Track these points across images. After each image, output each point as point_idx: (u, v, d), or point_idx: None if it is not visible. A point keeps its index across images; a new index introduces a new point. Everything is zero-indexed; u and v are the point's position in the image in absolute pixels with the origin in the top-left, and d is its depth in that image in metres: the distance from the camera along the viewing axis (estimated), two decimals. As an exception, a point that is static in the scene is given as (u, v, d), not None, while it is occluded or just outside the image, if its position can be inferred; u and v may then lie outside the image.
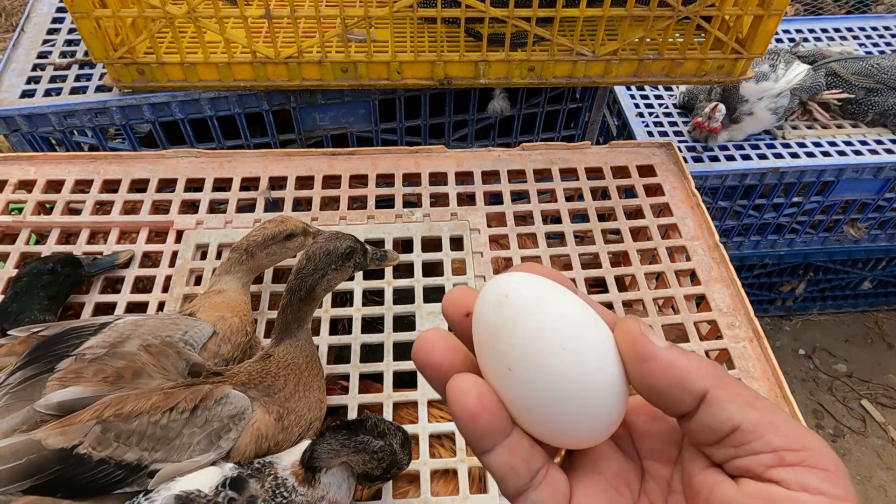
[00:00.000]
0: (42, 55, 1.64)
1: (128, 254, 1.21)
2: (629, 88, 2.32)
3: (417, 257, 1.23)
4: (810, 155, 2.10)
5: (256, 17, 1.38)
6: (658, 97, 2.34)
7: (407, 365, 1.09)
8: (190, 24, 1.40)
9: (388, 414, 1.02)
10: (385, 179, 1.37)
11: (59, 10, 1.78)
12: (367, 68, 1.49)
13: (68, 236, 1.27)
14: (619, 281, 1.20)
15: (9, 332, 0.93)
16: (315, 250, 0.95)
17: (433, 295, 1.19)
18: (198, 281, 1.20)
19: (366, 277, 1.20)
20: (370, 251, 1.02)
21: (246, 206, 1.33)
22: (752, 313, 1.10)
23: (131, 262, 1.22)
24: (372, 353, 1.13)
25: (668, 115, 2.28)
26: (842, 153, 2.11)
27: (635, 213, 1.32)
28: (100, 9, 1.36)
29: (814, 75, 2.21)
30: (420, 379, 1.07)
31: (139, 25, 1.47)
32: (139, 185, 1.34)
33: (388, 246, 1.25)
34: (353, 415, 1.04)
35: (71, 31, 1.72)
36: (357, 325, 1.14)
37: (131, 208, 1.30)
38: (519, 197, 1.35)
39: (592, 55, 1.49)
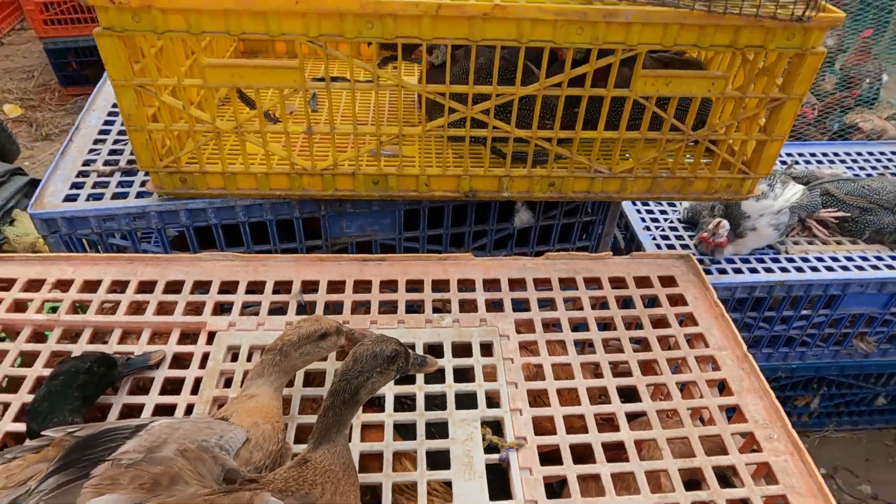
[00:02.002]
0: (87, 163, 1.73)
1: (160, 354, 1.21)
2: (635, 203, 2.43)
3: (448, 362, 1.23)
4: (815, 269, 2.16)
5: (298, 132, 1.48)
6: (663, 212, 2.44)
7: (442, 475, 1.05)
8: (231, 137, 1.50)
9: (423, 528, 0.98)
10: (414, 285, 1.40)
11: (106, 122, 1.91)
12: (398, 181, 1.58)
13: (100, 335, 1.28)
14: (651, 389, 1.20)
15: (42, 433, 0.91)
16: (362, 352, 0.95)
17: (465, 401, 1.18)
18: (227, 383, 1.19)
19: (396, 382, 1.20)
20: (412, 355, 1.03)
21: (277, 309, 1.35)
22: (790, 426, 1.09)
23: (162, 362, 1.21)
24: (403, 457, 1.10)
25: (673, 229, 2.38)
26: (845, 268, 2.17)
27: (659, 322, 1.35)
28: (153, 123, 1.47)
29: (810, 195, 2.34)
30: (455, 491, 1.03)
31: (184, 137, 1.57)
32: (174, 287, 1.36)
33: (419, 351, 1.26)
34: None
35: (115, 142, 1.83)
36: (389, 432, 1.12)
37: (164, 309, 1.32)
38: (545, 304, 1.38)
39: (609, 173, 1.59)
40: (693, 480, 1.08)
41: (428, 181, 1.58)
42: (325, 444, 0.92)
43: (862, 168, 2.75)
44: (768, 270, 2.16)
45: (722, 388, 1.22)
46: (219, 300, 1.33)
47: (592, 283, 1.42)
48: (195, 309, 1.32)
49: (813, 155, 2.85)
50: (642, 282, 1.42)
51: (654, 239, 2.29)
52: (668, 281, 1.42)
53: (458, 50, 1.64)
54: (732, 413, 1.18)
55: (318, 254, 1.62)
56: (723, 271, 2.14)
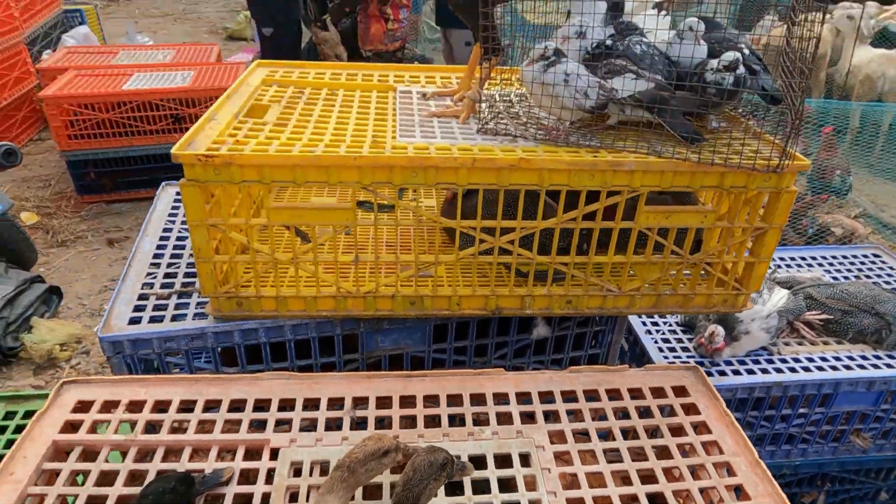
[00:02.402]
0: (145, 286, 1.90)
1: (230, 471, 1.33)
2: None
3: (492, 474, 1.36)
4: (807, 370, 2.34)
5: (347, 262, 1.68)
6: (662, 316, 2.64)
7: (496, 583, 1.16)
8: (286, 266, 1.70)
9: None
10: (453, 399, 1.55)
11: (159, 247, 2.10)
12: (432, 301, 1.77)
13: (172, 453, 1.39)
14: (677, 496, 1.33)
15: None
16: (420, 462, 1.10)
17: (509, 511, 1.29)
18: (292, 497, 1.30)
19: (447, 494, 1.32)
20: (456, 462, 1.18)
21: (333, 425, 1.48)
22: (804, 527, 1.22)
23: (231, 479, 1.33)
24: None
25: (672, 332, 2.57)
26: (835, 368, 2.35)
27: (676, 431, 1.50)
28: (219, 255, 1.66)
29: (794, 299, 2.56)
30: None
31: (241, 266, 1.76)
32: (237, 405, 1.50)
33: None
34: None
35: (169, 265, 2.01)
36: (444, 543, 1.23)
37: (229, 427, 1.44)
38: (572, 414, 1.53)
39: (619, 291, 1.79)
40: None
41: (459, 301, 1.77)
42: None
43: (838, 271, 3.00)
44: (765, 371, 2.33)
45: (738, 491, 1.35)
46: (279, 417, 1.46)
47: (613, 393, 1.57)
48: (258, 426, 1.45)
49: (793, 259, 3.11)
50: (658, 392, 1.58)
51: (655, 343, 2.47)
52: (680, 391, 1.59)
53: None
54: (751, 516, 1.30)
55: (356, 367, 1.77)
56: (723, 373, 2.31)
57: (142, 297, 1.85)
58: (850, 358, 2.42)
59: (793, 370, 2.34)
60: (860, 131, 6.35)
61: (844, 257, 3.15)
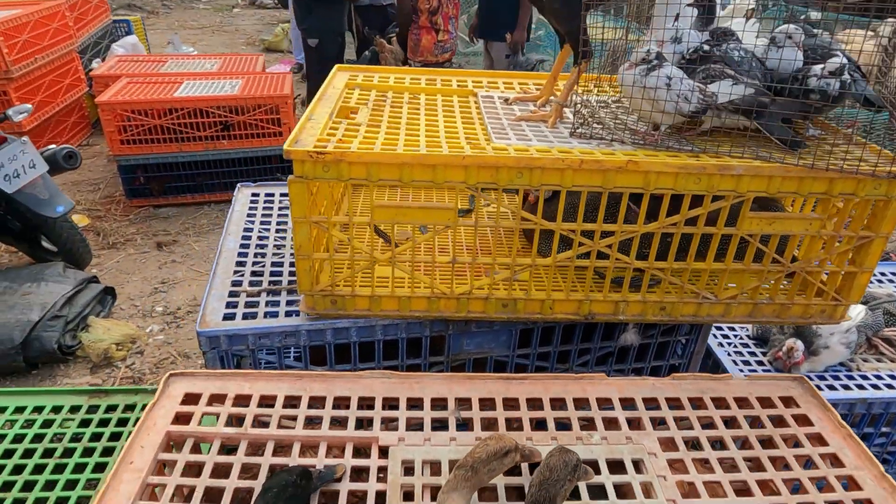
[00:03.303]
0: (235, 283, 1.91)
1: (342, 468, 1.32)
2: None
3: (607, 479, 1.33)
4: (891, 387, 2.27)
5: (444, 262, 1.67)
6: (731, 328, 2.59)
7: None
8: (381, 264, 1.70)
9: None
10: (557, 403, 1.52)
11: (242, 245, 2.11)
12: (525, 304, 1.75)
13: (281, 448, 1.38)
14: (800, 508, 1.29)
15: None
16: (555, 462, 1.08)
17: (629, 517, 1.26)
18: (406, 496, 1.29)
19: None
20: (581, 466, 1.15)
21: (438, 425, 1.46)
22: (946, 544, 1.17)
23: (343, 476, 1.31)
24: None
25: (744, 345, 2.51)
26: (918, 385, 2.28)
27: (789, 442, 1.45)
28: (318, 252, 1.66)
29: (872, 314, 2.50)
30: None
31: (335, 265, 1.76)
32: (341, 402, 1.49)
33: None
34: None
35: (254, 263, 2.03)
36: (568, 547, 1.19)
37: (336, 424, 1.43)
38: (679, 421, 1.50)
39: (715, 299, 1.76)
40: None
41: (552, 305, 1.75)
42: None
43: (911, 287, 2.93)
44: (846, 388, 2.27)
45: (861, 506, 1.30)
46: (384, 415, 1.45)
47: (719, 402, 1.54)
48: (364, 424, 1.43)
49: (861, 275, 3.04)
50: (766, 402, 1.54)
51: (729, 355, 2.42)
52: (788, 402, 1.54)
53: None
54: (880, 532, 1.25)
55: (440, 369, 1.76)
56: (804, 388, 2.25)
57: (232, 293, 1.86)
58: (935, 375, 2.34)
59: (875, 387, 2.27)
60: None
61: (913, 274, 3.07)
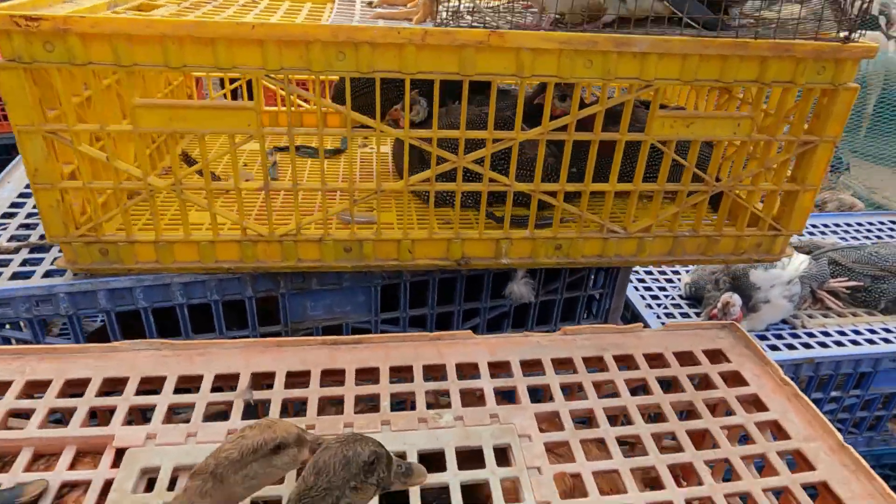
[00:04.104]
0: (-13, 239, 1.40)
1: (38, 486, 0.84)
2: (631, 281, 2.21)
3: (454, 476, 0.89)
4: (840, 344, 1.94)
5: (253, 189, 1.21)
6: (662, 289, 2.22)
7: None
8: (169, 202, 1.21)
9: None
10: (400, 374, 1.09)
11: (22, 195, 1.60)
12: (374, 247, 1.30)
13: (-44, 462, 0.90)
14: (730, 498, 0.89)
15: None
16: (327, 460, 0.65)
17: (481, 534, 0.83)
18: (137, 525, 0.82)
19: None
20: (394, 462, 0.72)
21: (217, 413, 1.00)
22: (938, 545, 0.79)
23: (42, 496, 0.84)
24: None
25: (676, 306, 2.15)
26: (871, 342, 1.96)
27: (718, 409, 1.06)
28: (68, 181, 1.17)
29: (817, 264, 2.17)
30: None
31: (110, 202, 1.27)
32: (77, 388, 1.01)
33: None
34: None
35: (29, 215, 1.51)
36: (376, 590, 0.76)
37: (57, 419, 0.96)
38: (571, 391, 1.08)
39: (624, 233, 1.36)
40: None
41: (412, 247, 1.31)
42: None
43: (855, 238, 2.64)
44: (790, 347, 1.92)
45: (814, 494, 0.91)
46: (136, 403, 0.98)
47: (625, 361, 1.13)
48: (102, 417, 0.96)
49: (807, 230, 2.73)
50: (686, 358, 1.14)
51: (658, 318, 2.04)
52: (716, 355, 1.15)
53: (442, 107, 1.44)
54: (843, 530, 0.86)
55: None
56: (743, 350, 1.89)
57: (-25, 251, 1.35)
58: (887, 330, 2.02)
59: (824, 345, 1.93)
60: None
61: (860, 224, 2.78)
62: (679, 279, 2.27)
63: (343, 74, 1.12)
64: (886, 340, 1.97)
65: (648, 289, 2.22)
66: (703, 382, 1.10)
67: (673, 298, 2.20)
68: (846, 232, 2.69)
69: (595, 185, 1.29)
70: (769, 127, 1.30)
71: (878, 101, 5.91)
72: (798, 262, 2.11)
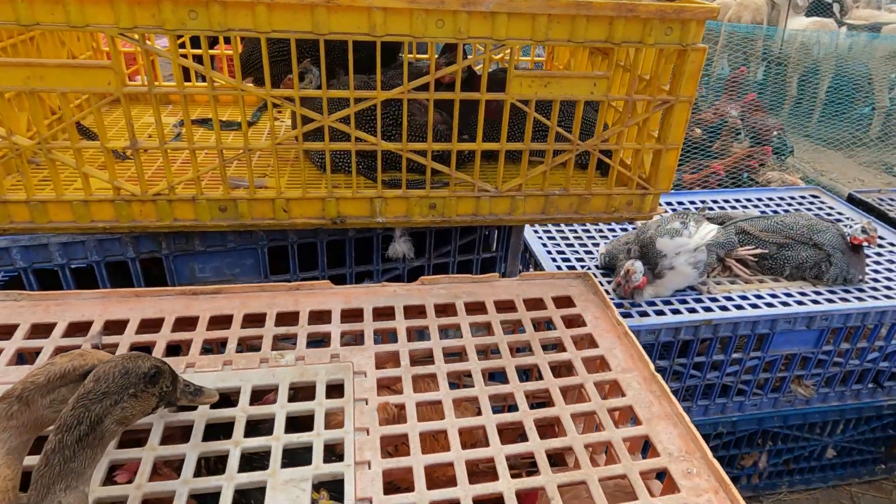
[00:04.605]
0: None
1: None
2: (548, 249, 2.27)
3: (281, 409, 0.94)
4: (740, 308, 2.01)
5: (120, 148, 1.24)
6: (580, 259, 2.28)
7: (242, 561, 0.74)
8: (41, 158, 1.24)
9: None
10: (255, 322, 1.13)
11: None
12: (250, 206, 1.34)
13: None
14: (542, 427, 0.94)
15: None
16: (107, 370, 0.70)
17: (299, 456, 0.88)
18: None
19: (205, 438, 0.89)
20: (181, 381, 0.78)
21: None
22: (711, 455, 0.84)
23: None
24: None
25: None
26: (771, 305, 2.03)
27: (554, 348, 1.11)
28: (-68, 139, 1.20)
29: (725, 233, 2.24)
30: (260, 583, 0.71)
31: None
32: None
33: (246, 397, 0.96)
34: None
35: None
36: (183, 494, 0.80)
37: None
38: (419, 337, 1.13)
39: (496, 191, 1.41)
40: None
41: (287, 206, 1.35)
42: None
43: (775, 212, 2.72)
44: (692, 311, 1.99)
45: (634, 419, 0.97)
46: (-17, 349, 1.01)
47: (475, 308, 1.18)
48: (-53, 361, 0.99)
49: (727, 201, 2.81)
50: (534, 304, 1.20)
51: (569, 286, 2.10)
52: (564, 302, 1.20)
53: (333, 79, 1.48)
54: (648, 448, 0.92)
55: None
56: (644, 314, 1.96)
57: None
58: (788, 294, 2.10)
59: (724, 309, 2.00)
60: (798, 101, 6.25)
61: (781, 199, 2.87)
62: (597, 251, 2.33)
63: (198, 33, 1.15)
64: (785, 304, 2.04)
65: (567, 259, 2.28)
66: (546, 325, 1.16)
67: (590, 269, 2.26)
68: (766, 206, 2.77)
69: (461, 145, 1.33)
70: (628, 88, 1.36)
71: (830, 87, 6.05)
72: (705, 231, 2.18)
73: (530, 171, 1.39)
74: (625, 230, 2.49)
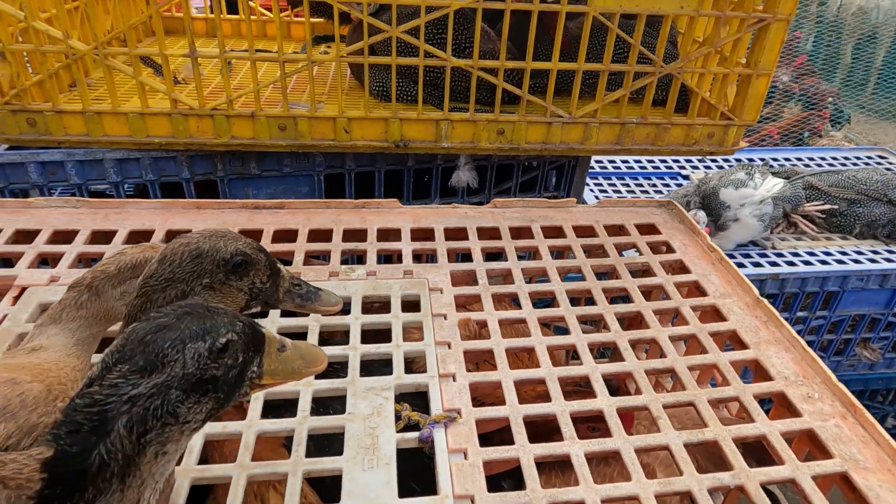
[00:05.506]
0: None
1: (-68, 315, 0.84)
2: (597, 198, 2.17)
3: (356, 320, 0.88)
4: (808, 264, 1.90)
5: (178, 55, 1.18)
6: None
7: (325, 463, 0.68)
8: (99, 70, 1.19)
9: (285, 542, 0.60)
10: (321, 237, 1.07)
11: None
12: (310, 126, 1.27)
13: None
14: (636, 349, 0.87)
15: None
16: (176, 248, 0.60)
17: (375, 368, 0.82)
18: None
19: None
20: (286, 276, 0.66)
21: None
22: (835, 378, 0.76)
23: (-64, 326, 0.83)
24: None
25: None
26: (841, 262, 1.92)
27: (640, 273, 1.03)
28: (-11, 42, 1.15)
29: (791, 186, 2.12)
30: (346, 488, 0.66)
31: (35, 65, 1.24)
32: (-12, 238, 1.00)
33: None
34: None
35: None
36: (255, 409, 0.75)
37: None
38: (493, 258, 1.06)
39: (569, 117, 1.32)
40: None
41: (348, 126, 1.28)
42: None
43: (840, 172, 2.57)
44: (756, 265, 1.89)
45: (736, 344, 0.89)
46: (45, 251, 0.97)
47: (553, 232, 1.10)
48: (7, 263, 0.95)
49: (787, 159, 2.67)
50: (616, 231, 1.11)
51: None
52: (648, 229, 1.12)
53: None
54: (750, 375, 0.85)
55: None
56: (706, 265, 1.86)
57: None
58: (859, 252, 1.98)
59: (791, 264, 1.90)
60: (851, 70, 5.95)
61: (846, 158, 2.71)
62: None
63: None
64: (856, 261, 1.93)
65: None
66: (632, 248, 1.08)
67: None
68: (831, 165, 2.63)
69: (535, 63, 1.24)
70: (719, 2, 1.24)
71: (887, 56, 5.74)
72: (771, 184, 2.06)
73: (607, 96, 1.29)
74: (680, 186, 2.38)
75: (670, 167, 2.46)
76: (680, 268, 1.02)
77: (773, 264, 1.90)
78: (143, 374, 0.42)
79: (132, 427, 0.42)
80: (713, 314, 0.91)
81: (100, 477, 0.41)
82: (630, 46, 1.24)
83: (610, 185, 2.34)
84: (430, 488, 0.67)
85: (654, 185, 2.36)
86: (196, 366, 0.44)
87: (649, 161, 2.43)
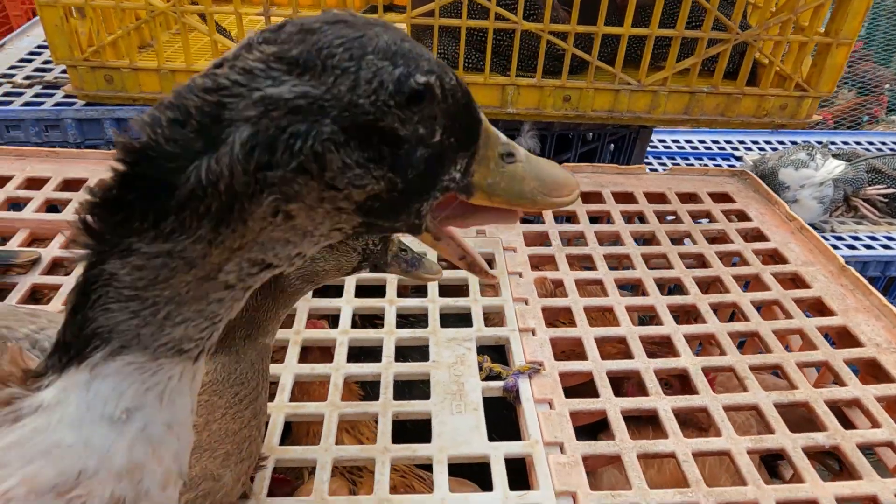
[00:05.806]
0: (5, 75, 1.43)
1: (31, 255, 0.87)
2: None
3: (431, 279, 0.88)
4: (869, 248, 1.84)
5: (253, 13, 1.19)
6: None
7: (414, 406, 0.70)
8: (173, 25, 1.21)
9: (382, 475, 0.61)
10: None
11: (41, 46, 1.62)
12: (377, 88, 1.27)
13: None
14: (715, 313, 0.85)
15: None
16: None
17: (453, 321, 0.83)
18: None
19: (358, 294, 0.85)
20: (395, 240, 0.63)
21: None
22: (931, 346, 0.74)
23: (34, 266, 0.87)
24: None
25: (699, 208, 2.07)
26: (904, 247, 1.85)
27: (717, 240, 1.01)
28: (71, -2, 1.17)
29: (853, 169, 2.05)
30: (436, 430, 0.67)
31: (112, 22, 1.27)
32: (74, 187, 1.03)
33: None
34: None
35: (47, 62, 1.54)
36: (341, 353, 0.76)
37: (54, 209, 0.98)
38: (564, 221, 1.05)
39: (638, 84, 1.29)
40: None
41: (414, 90, 1.28)
42: (221, 355, 0.56)
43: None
44: (816, 247, 1.84)
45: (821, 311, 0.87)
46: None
47: (624, 197, 1.09)
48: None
49: (845, 143, 2.58)
50: (688, 198, 1.09)
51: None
52: (722, 197, 1.10)
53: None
54: (840, 339, 0.83)
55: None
56: (763, 245, 1.82)
57: (-8, 84, 1.38)
58: (924, 238, 1.91)
59: (851, 248, 1.84)
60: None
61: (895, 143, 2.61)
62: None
63: None
64: (921, 247, 1.86)
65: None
66: (704, 216, 1.06)
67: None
68: (892, 150, 2.53)
69: (607, 28, 1.22)
70: (803, -33, 1.20)
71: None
72: (832, 165, 2.00)
73: (677, 65, 1.27)
74: (732, 167, 2.32)
75: (723, 148, 2.41)
76: (757, 236, 1.00)
77: (833, 247, 1.84)
78: (293, 72, 0.28)
79: (253, 148, 0.27)
80: (795, 281, 0.89)
81: (189, 207, 0.27)
82: (705, 12, 1.20)
83: (660, 164, 2.30)
84: (509, 439, 0.67)
85: (706, 167, 2.31)
86: (371, 98, 0.29)
87: (701, 142, 2.38)
